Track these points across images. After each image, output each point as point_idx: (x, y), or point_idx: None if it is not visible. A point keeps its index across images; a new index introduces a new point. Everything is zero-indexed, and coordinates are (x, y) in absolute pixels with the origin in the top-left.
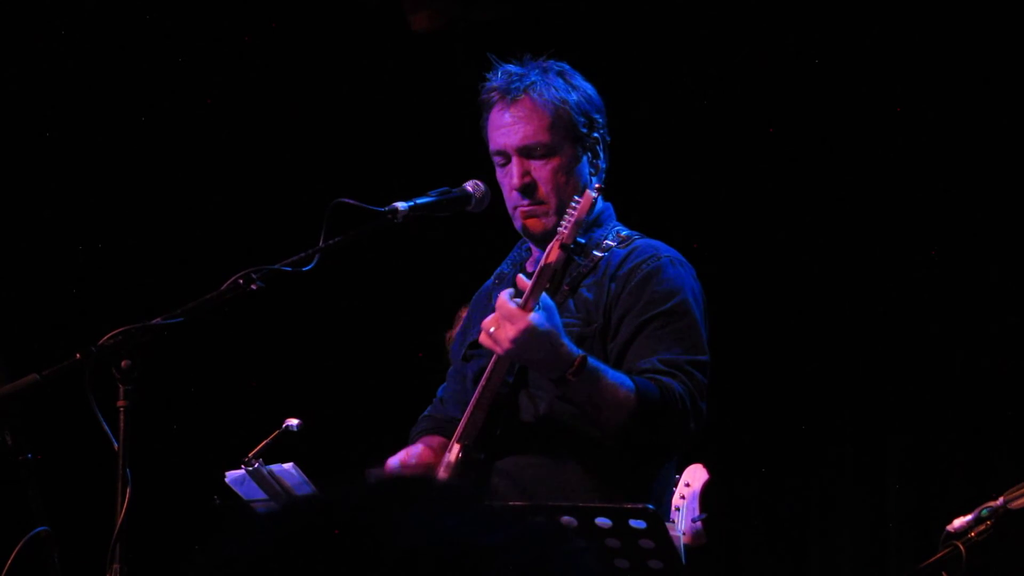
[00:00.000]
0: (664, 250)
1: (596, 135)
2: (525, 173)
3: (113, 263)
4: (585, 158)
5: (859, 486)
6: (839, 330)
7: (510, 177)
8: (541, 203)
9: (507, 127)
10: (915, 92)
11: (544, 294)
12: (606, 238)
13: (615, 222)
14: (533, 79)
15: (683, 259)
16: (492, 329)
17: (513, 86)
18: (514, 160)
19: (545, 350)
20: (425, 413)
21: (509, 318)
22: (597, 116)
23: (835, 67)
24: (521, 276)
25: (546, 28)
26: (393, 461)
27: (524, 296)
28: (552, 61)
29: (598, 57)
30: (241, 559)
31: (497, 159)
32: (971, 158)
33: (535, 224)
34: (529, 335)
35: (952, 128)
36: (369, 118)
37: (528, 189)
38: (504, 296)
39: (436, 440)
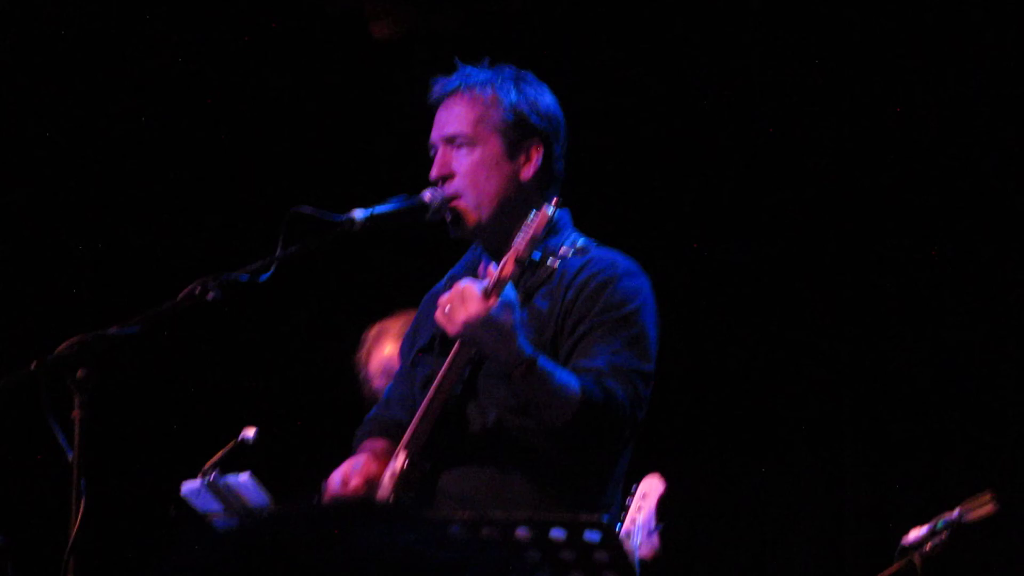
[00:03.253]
0: (621, 260)
1: (536, 142)
2: (445, 163)
3: (69, 272)
4: (516, 160)
5: (815, 497)
6: (797, 336)
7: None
8: (457, 195)
9: (438, 120)
10: (910, 91)
11: (510, 288)
12: (562, 245)
13: (571, 230)
14: (479, 78)
15: (640, 270)
16: (448, 307)
17: (453, 82)
18: (439, 150)
19: (495, 340)
20: (370, 415)
21: (467, 299)
22: (538, 122)
23: (833, 67)
24: (491, 267)
25: (506, 39)
26: (335, 477)
27: (488, 285)
28: (519, 70)
29: (557, 69)
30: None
31: (432, 153)
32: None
33: (457, 215)
34: (482, 322)
35: (945, 129)
36: (329, 125)
37: (444, 178)
38: (468, 279)
39: (380, 445)
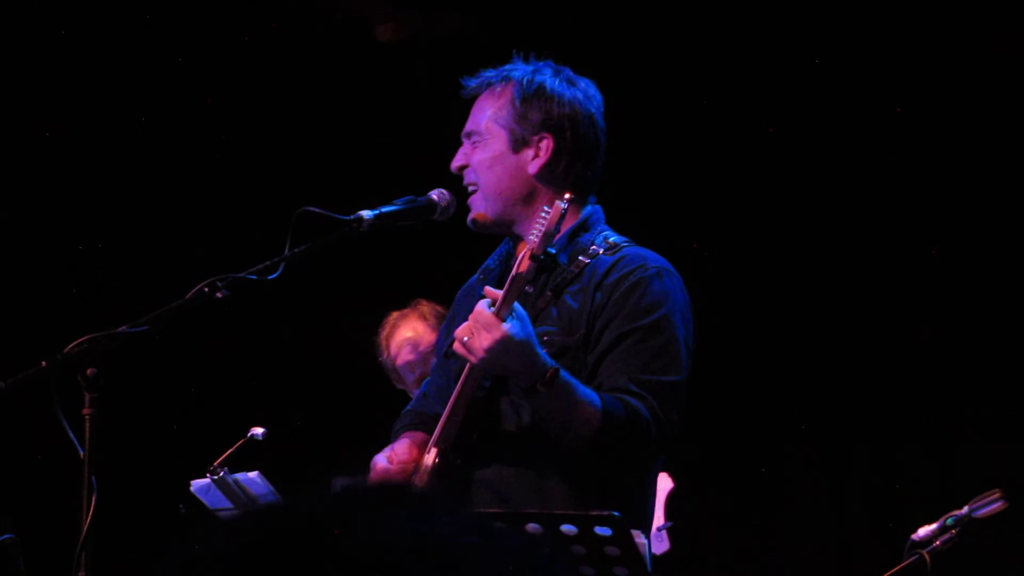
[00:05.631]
0: (652, 260)
1: (545, 136)
2: (462, 155)
3: (79, 270)
4: (522, 154)
5: (823, 494)
6: (804, 336)
7: None
8: (472, 185)
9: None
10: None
11: (517, 303)
12: (593, 243)
13: (603, 226)
14: (504, 74)
15: (672, 269)
16: (466, 338)
17: (479, 80)
18: (463, 144)
19: (519, 360)
20: (408, 407)
21: (485, 327)
22: (549, 117)
23: (832, 68)
24: (489, 288)
25: (509, 42)
26: (379, 458)
27: (496, 305)
28: (557, 65)
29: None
30: (211, 560)
31: None
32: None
33: (471, 208)
34: (503, 344)
35: (938, 131)
36: (335, 127)
37: (460, 169)
38: (482, 305)
39: (419, 436)
